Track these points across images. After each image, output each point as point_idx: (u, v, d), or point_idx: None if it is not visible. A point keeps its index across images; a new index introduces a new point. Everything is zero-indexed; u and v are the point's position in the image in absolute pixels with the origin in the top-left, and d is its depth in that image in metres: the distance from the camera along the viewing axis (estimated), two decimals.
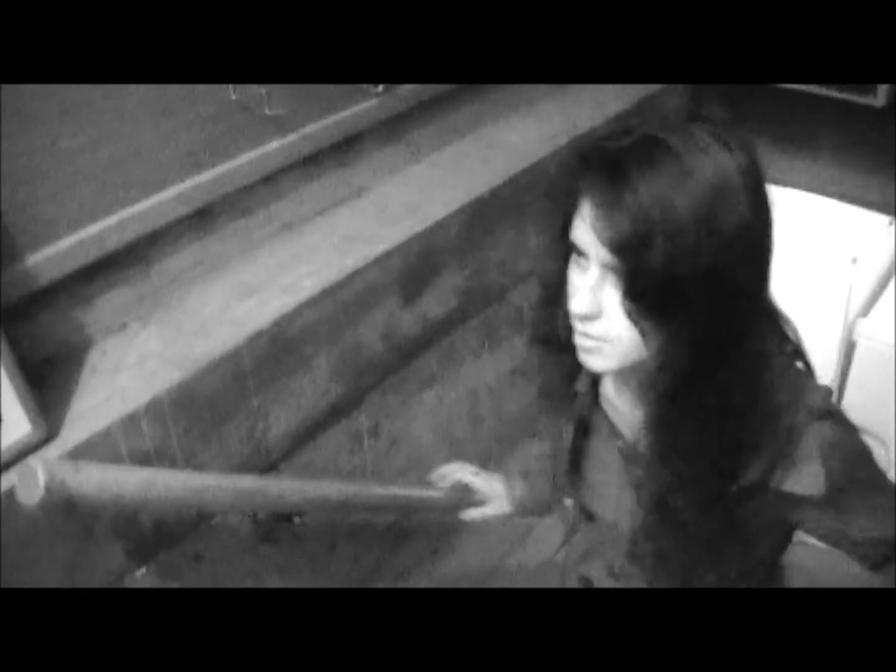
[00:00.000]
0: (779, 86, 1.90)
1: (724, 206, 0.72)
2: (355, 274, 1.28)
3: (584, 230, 0.75)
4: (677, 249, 0.70)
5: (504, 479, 1.29)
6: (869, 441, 0.86)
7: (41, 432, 0.97)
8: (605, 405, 0.95)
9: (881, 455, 0.86)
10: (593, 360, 0.81)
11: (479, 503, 1.29)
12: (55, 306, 1.08)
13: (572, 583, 1.11)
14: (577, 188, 0.77)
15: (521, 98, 1.75)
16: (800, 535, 0.94)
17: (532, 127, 1.69)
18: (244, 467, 1.18)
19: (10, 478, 0.92)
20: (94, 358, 1.11)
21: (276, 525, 1.27)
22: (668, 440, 0.81)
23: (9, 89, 0.93)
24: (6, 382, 0.93)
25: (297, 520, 1.29)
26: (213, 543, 1.20)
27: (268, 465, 1.24)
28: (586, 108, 1.74)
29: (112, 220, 1.09)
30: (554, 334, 0.88)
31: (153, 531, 1.10)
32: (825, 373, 2.05)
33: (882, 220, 2.01)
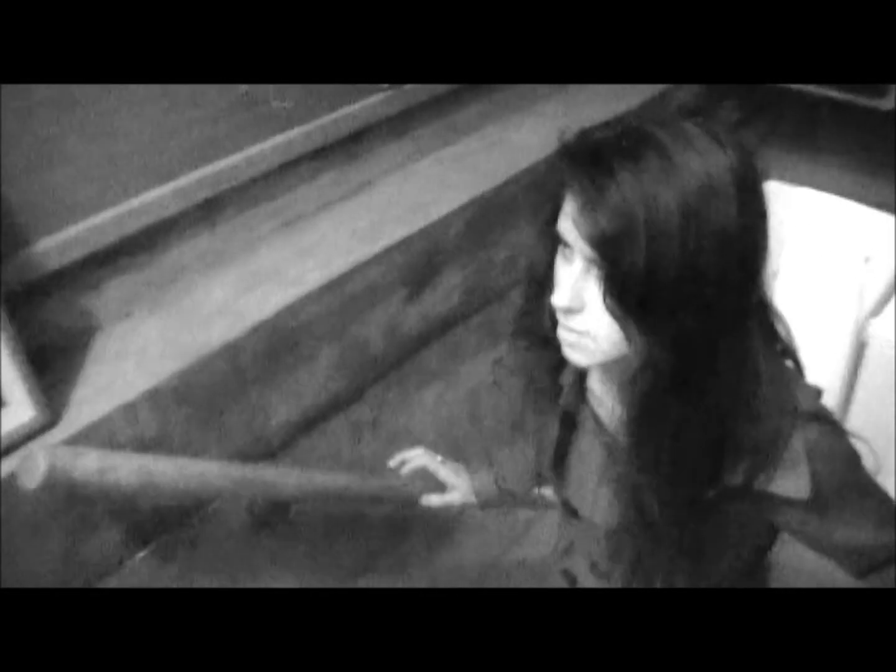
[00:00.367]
0: (793, 88, 1.89)
1: (711, 205, 0.68)
2: (359, 269, 1.29)
3: (569, 223, 0.73)
4: (661, 247, 0.67)
5: (466, 469, 1.28)
6: (857, 444, 0.83)
7: (45, 417, 0.99)
8: (591, 399, 0.93)
9: (869, 458, 0.84)
10: (575, 355, 0.79)
11: (441, 491, 1.28)
12: (62, 293, 1.09)
13: (556, 577, 1.10)
14: (561, 179, 0.75)
15: (525, 97, 1.76)
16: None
17: (536, 126, 1.69)
18: (243, 456, 1.20)
19: (13, 462, 0.93)
20: (98, 344, 1.13)
21: (273, 513, 1.28)
22: (646, 439, 0.79)
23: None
24: (11, 367, 0.95)
25: (293, 508, 1.30)
26: (210, 529, 1.21)
27: (267, 455, 1.25)
28: (590, 107, 1.75)
29: (122, 208, 1.11)
30: (538, 327, 0.85)
31: (151, 516, 1.12)
32: (835, 372, 2.04)
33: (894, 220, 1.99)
